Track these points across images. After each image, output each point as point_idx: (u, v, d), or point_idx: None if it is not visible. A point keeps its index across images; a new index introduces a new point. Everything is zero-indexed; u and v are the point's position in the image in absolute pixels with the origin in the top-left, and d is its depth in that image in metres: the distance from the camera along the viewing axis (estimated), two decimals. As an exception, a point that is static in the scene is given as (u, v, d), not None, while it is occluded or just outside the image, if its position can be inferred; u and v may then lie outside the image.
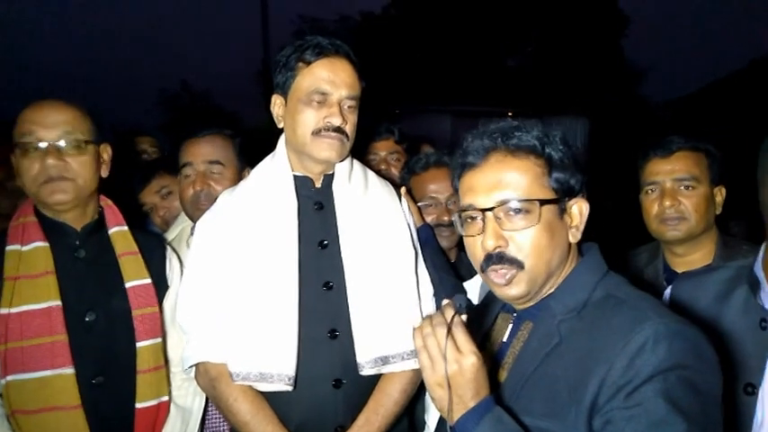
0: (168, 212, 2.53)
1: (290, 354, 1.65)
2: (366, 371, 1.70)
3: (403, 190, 2.01)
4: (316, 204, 1.78)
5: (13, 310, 1.65)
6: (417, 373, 1.68)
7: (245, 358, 1.66)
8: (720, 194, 2.06)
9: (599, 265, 1.30)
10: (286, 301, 1.67)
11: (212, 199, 1.92)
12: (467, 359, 1.14)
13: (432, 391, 1.19)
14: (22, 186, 1.74)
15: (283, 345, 1.65)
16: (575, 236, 1.27)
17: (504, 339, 1.36)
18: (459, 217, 1.30)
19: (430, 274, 1.92)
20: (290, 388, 1.65)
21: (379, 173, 2.04)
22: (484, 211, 1.23)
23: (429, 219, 2.15)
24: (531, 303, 1.30)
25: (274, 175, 1.78)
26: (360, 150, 2.15)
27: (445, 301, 1.23)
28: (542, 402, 1.18)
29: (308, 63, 1.70)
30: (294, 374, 1.65)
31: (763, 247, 1.45)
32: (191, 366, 1.75)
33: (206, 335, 1.71)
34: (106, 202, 1.88)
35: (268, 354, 1.64)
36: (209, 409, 2.07)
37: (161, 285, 1.90)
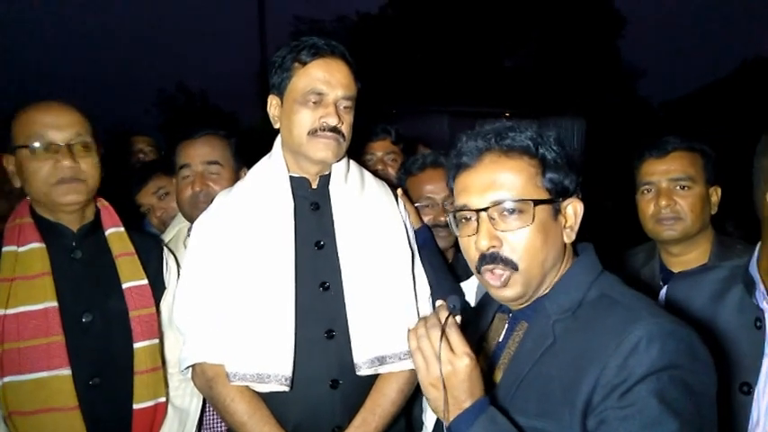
0: (165, 213, 2.54)
1: (287, 354, 1.65)
2: (363, 371, 1.70)
3: (399, 191, 2.01)
4: (312, 205, 1.79)
5: (10, 312, 1.65)
6: (414, 372, 1.67)
7: (241, 359, 1.66)
8: (716, 194, 2.07)
9: (594, 265, 1.31)
10: (282, 301, 1.67)
11: (211, 199, 1.92)
12: (460, 360, 1.14)
13: (426, 392, 1.19)
14: (26, 188, 1.73)
15: (280, 345, 1.65)
16: (569, 236, 1.28)
17: (500, 340, 1.37)
18: (454, 217, 1.30)
19: (428, 276, 1.92)
20: (286, 388, 1.65)
21: (375, 173, 2.05)
22: (478, 211, 1.24)
23: (426, 219, 2.16)
24: (527, 304, 1.31)
25: (271, 176, 1.78)
26: (356, 151, 2.15)
27: (439, 303, 1.23)
28: (537, 402, 1.19)
29: (304, 63, 1.70)
30: (291, 375, 1.65)
31: (757, 247, 1.46)
32: (187, 367, 1.75)
33: (203, 336, 1.71)
34: (102, 204, 1.88)
35: (265, 354, 1.64)
36: (207, 409, 2.07)
37: (158, 286, 1.90)
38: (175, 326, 1.81)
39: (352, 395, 1.72)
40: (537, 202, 1.21)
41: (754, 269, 1.44)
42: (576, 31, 18.34)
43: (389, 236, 1.81)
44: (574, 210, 1.28)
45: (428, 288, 1.90)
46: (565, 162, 1.26)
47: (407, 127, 3.31)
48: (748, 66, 14.32)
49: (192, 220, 2.05)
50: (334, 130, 1.69)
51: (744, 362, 1.43)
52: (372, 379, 1.75)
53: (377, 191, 1.88)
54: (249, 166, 1.92)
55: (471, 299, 2.06)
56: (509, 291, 1.25)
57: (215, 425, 2.11)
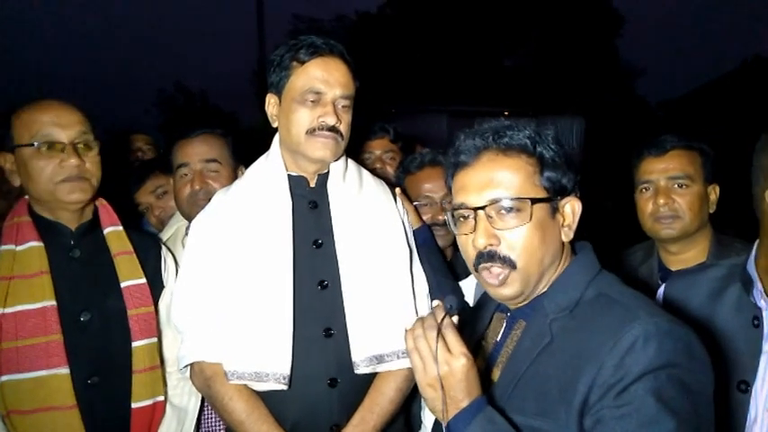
0: (163, 212, 2.54)
1: (285, 353, 1.65)
2: (361, 369, 1.70)
3: (398, 191, 2.00)
4: (310, 203, 1.79)
5: (8, 310, 1.65)
6: (413, 371, 1.68)
7: (239, 357, 1.66)
8: (714, 193, 2.07)
9: (592, 263, 1.31)
10: (281, 300, 1.67)
11: (210, 197, 1.93)
12: (457, 361, 1.15)
13: (424, 392, 1.20)
14: (27, 186, 1.73)
15: (278, 344, 1.65)
16: (567, 235, 1.28)
17: (498, 339, 1.37)
18: (452, 216, 1.31)
19: (427, 275, 1.92)
20: (285, 387, 1.65)
21: (373, 172, 2.05)
22: (476, 209, 1.24)
23: (424, 218, 2.16)
24: (525, 303, 1.31)
25: (269, 175, 1.79)
26: (354, 149, 2.15)
27: (435, 303, 1.24)
28: (534, 401, 1.19)
29: (303, 62, 1.70)
30: (289, 373, 1.65)
31: (755, 246, 1.46)
32: (186, 366, 1.75)
33: (201, 334, 1.71)
34: (101, 202, 1.88)
35: (263, 353, 1.65)
36: (205, 408, 2.07)
37: (156, 285, 1.90)
38: (173, 324, 1.81)
39: (350, 394, 1.72)
40: (534, 201, 1.21)
41: (751, 267, 1.45)
42: (575, 30, 18.34)
43: (388, 234, 1.81)
44: (572, 208, 1.28)
45: (426, 287, 1.90)
46: (563, 161, 1.27)
47: (406, 126, 3.30)
48: (748, 66, 14.33)
49: (190, 218, 2.04)
50: (333, 129, 1.69)
51: (741, 360, 1.43)
52: (371, 377, 1.75)
53: (375, 189, 1.88)
54: (249, 166, 1.91)
55: (470, 298, 2.07)
56: (507, 289, 1.25)
57: (213, 424, 2.11)
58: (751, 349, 1.42)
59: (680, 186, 2.03)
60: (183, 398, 1.93)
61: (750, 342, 1.42)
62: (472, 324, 1.50)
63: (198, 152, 2.13)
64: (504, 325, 1.37)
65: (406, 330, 1.23)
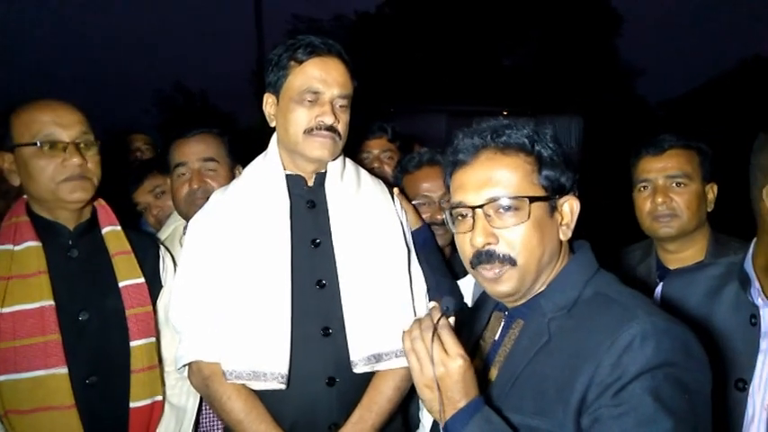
0: (162, 212, 2.53)
1: (283, 352, 1.65)
2: (359, 368, 1.70)
3: (396, 191, 2.00)
4: (308, 203, 1.79)
5: (6, 310, 1.65)
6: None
7: (238, 357, 1.66)
8: (712, 192, 2.08)
9: (590, 263, 1.31)
10: (279, 299, 1.67)
11: (208, 196, 1.93)
12: (453, 361, 1.15)
13: (421, 393, 1.20)
14: (27, 185, 1.73)
15: (276, 343, 1.65)
16: (565, 234, 1.28)
17: (496, 338, 1.37)
18: (451, 214, 1.31)
19: (426, 276, 1.92)
20: (283, 386, 1.65)
21: (371, 171, 2.05)
22: (474, 208, 1.24)
23: (422, 217, 2.16)
24: (522, 301, 1.31)
25: (266, 174, 1.79)
26: (352, 149, 2.15)
27: (432, 304, 1.24)
28: (532, 400, 1.19)
29: (300, 62, 1.70)
30: (287, 373, 1.65)
31: (752, 244, 1.46)
32: (184, 366, 1.75)
33: (199, 334, 1.71)
34: (99, 202, 1.88)
35: (261, 352, 1.65)
36: (204, 408, 2.07)
37: (155, 285, 1.90)
38: (171, 324, 1.81)
39: (348, 392, 1.72)
40: (533, 199, 1.22)
41: (749, 266, 1.45)
42: (575, 30, 18.35)
43: (385, 234, 1.81)
44: (570, 207, 1.28)
45: (425, 286, 1.90)
46: (561, 159, 1.27)
47: (405, 125, 3.30)
48: (747, 65, 14.34)
49: (188, 218, 2.04)
50: (331, 128, 1.69)
51: (739, 359, 1.43)
52: (369, 376, 1.75)
53: (373, 189, 1.88)
54: (245, 166, 1.91)
55: (468, 297, 2.07)
56: (503, 286, 1.25)
57: (211, 423, 2.11)
58: (748, 347, 1.42)
59: (678, 185, 2.03)
60: (182, 397, 1.93)
61: (748, 340, 1.42)
62: (471, 323, 1.51)
63: (195, 151, 2.13)
64: (503, 324, 1.37)
65: (403, 332, 1.23)
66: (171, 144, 2.19)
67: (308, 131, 1.69)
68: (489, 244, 1.23)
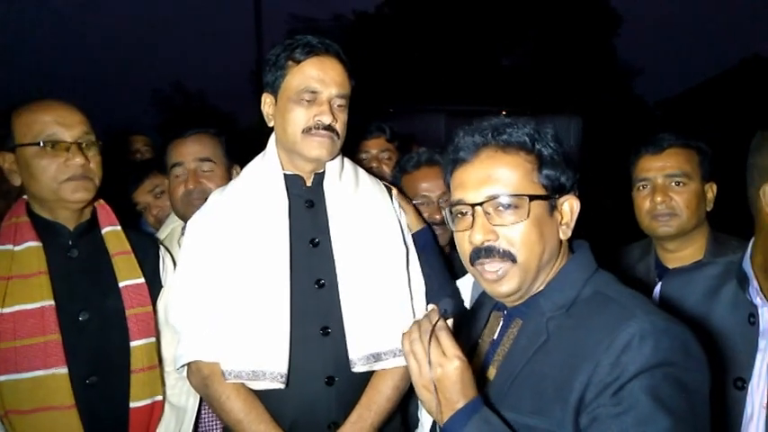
0: (161, 212, 2.54)
1: (283, 351, 1.65)
2: (358, 368, 1.70)
3: (395, 192, 1.99)
4: (306, 202, 1.79)
5: (6, 310, 1.65)
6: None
7: (237, 357, 1.66)
8: (711, 191, 2.08)
9: (589, 262, 1.31)
10: (278, 299, 1.67)
11: (205, 196, 1.93)
12: (450, 363, 1.15)
13: (420, 395, 1.21)
14: (29, 185, 1.73)
15: (275, 343, 1.65)
16: (565, 233, 1.28)
17: (495, 337, 1.37)
18: (450, 212, 1.31)
19: (426, 279, 1.92)
20: (282, 386, 1.65)
21: (370, 171, 2.05)
22: (473, 205, 1.24)
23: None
24: (521, 301, 1.31)
25: (265, 174, 1.79)
26: (351, 149, 2.15)
27: (430, 307, 1.24)
28: (530, 400, 1.19)
29: (298, 62, 1.70)
30: (286, 372, 1.65)
31: (751, 243, 1.46)
32: (183, 365, 1.75)
33: (198, 334, 1.71)
34: (99, 202, 1.88)
35: (260, 352, 1.65)
36: (203, 408, 2.07)
37: (155, 285, 1.90)
38: (171, 324, 1.81)
39: (347, 392, 1.72)
40: (532, 198, 1.22)
41: (747, 265, 1.45)
42: (573, 30, 18.37)
43: (384, 233, 1.82)
44: (570, 207, 1.28)
45: (423, 285, 1.90)
46: (561, 159, 1.27)
47: (404, 125, 3.31)
48: (746, 65, 14.36)
49: (185, 218, 2.05)
50: (329, 128, 1.69)
51: (738, 357, 1.43)
52: (368, 375, 1.75)
53: (371, 188, 1.88)
54: (244, 166, 1.92)
55: (467, 296, 2.07)
56: (505, 286, 1.25)
57: (211, 423, 2.11)
58: (747, 346, 1.42)
59: (677, 184, 2.03)
60: (182, 397, 1.93)
61: (746, 339, 1.43)
62: (470, 324, 1.51)
63: (191, 151, 2.13)
64: (501, 323, 1.37)
65: (402, 334, 1.24)
66: (168, 144, 2.19)
67: (307, 131, 1.69)
68: (488, 241, 1.23)
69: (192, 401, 1.96)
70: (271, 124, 1.79)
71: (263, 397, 1.70)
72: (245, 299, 1.68)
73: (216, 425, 2.11)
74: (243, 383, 1.68)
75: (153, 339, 1.83)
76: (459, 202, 1.27)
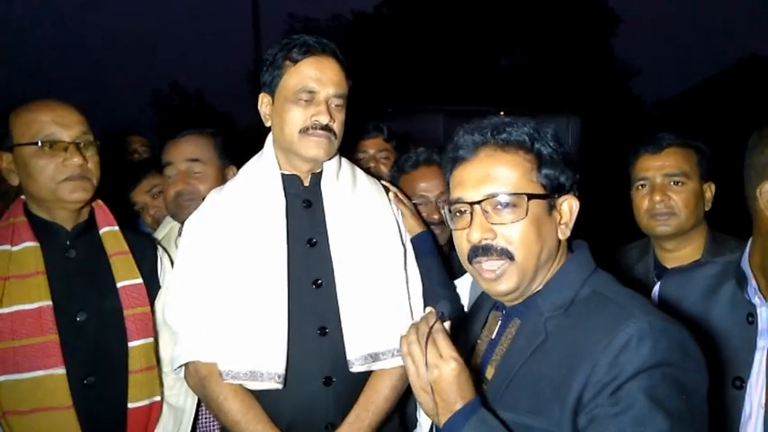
0: (159, 212, 2.53)
1: (280, 352, 1.65)
2: (356, 368, 1.70)
3: (392, 195, 1.97)
4: (304, 202, 1.79)
5: (4, 311, 1.65)
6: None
7: (234, 357, 1.66)
8: (710, 190, 2.08)
9: (587, 262, 1.31)
10: (275, 299, 1.67)
11: (195, 197, 1.95)
12: (447, 365, 1.15)
13: (418, 396, 1.21)
14: (27, 185, 1.73)
15: (273, 343, 1.65)
16: (563, 233, 1.28)
17: (493, 337, 1.37)
18: (450, 211, 1.31)
19: (423, 285, 1.91)
20: (280, 386, 1.65)
21: (368, 171, 2.05)
22: (472, 204, 1.24)
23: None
24: (519, 300, 1.31)
25: (262, 174, 1.79)
26: (348, 149, 2.15)
27: (428, 309, 1.25)
28: (528, 399, 1.19)
29: (295, 62, 1.70)
30: (284, 372, 1.65)
31: (749, 243, 1.46)
32: (180, 366, 1.75)
33: (195, 334, 1.71)
34: (96, 203, 1.88)
35: (258, 352, 1.65)
36: (202, 409, 2.06)
37: (153, 285, 1.90)
38: (168, 324, 1.80)
39: (345, 392, 1.72)
40: (531, 197, 1.22)
41: (745, 264, 1.45)
42: (571, 30, 18.39)
43: (381, 233, 1.82)
44: (569, 207, 1.28)
45: (420, 284, 1.90)
46: (561, 159, 1.27)
47: (403, 125, 3.30)
48: (744, 64, 14.39)
49: (176, 219, 2.05)
50: (326, 128, 1.69)
51: (736, 357, 1.43)
52: (365, 376, 1.75)
53: (369, 188, 1.88)
54: (241, 166, 1.91)
55: (465, 297, 2.06)
56: (503, 284, 1.25)
57: (209, 424, 2.11)
58: (746, 346, 1.42)
59: (676, 184, 2.04)
60: (180, 398, 1.93)
61: (745, 339, 1.43)
62: (470, 325, 1.51)
63: (182, 152, 2.13)
64: (500, 323, 1.37)
65: (401, 337, 1.24)
66: (164, 145, 2.19)
67: (304, 131, 1.69)
68: (486, 239, 1.23)
69: (190, 402, 1.95)
70: (268, 124, 1.79)
71: (261, 397, 1.70)
72: (243, 299, 1.68)
73: (214, 425, 2.10)
74: (240, 384, 1.68)
75: (151, 340, 1.83)
76: (458, 201, 1.27)
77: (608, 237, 2.14)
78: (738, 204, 1.45)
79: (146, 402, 1.79)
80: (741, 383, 1.41)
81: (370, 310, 1.72)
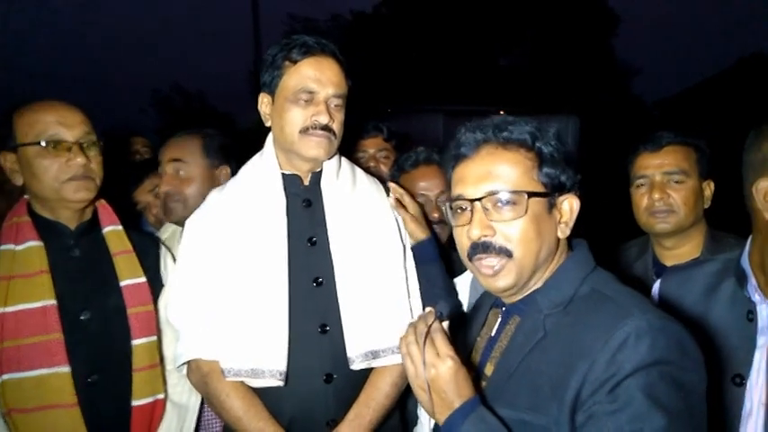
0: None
1: (281, 349, 1.66)
2: (356, 365, 1.71)
3: (392, 201, 1.95)
4: (304, 202, 1.80)
5: (9, 310, 1.66)
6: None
7: (236, 355, 1.67)
8: (709, 188, 2.09)
9: (587, 260, 1.32)
10: (276, 297, 1.68)
11: (180, 198, 1.99)
12: (444, 363, 1.17)
13: (417, 395, 1.23)
14: (30, 184, 1.74)
15: (274, 340, 1.66)
16: (563, 231, 1.29)
17: (493, 334, 1.38)
18: (450, 208, 1.32)
19: (422, 291, 1.90)
20: (281, 383, 1.66)
21: (367, 170, 2.05)
22: (472, 201, 1.25)
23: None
24: (519, 297, 1.32)
25: (263, 174, 1.80)
26: (348, 148, 2.16)
27: (427, 309, 1.26)
28: (526, 396, 1.20)
29: (295, 62, 1.71)
30: (285, 370, 1.66)
31: (749, 240, 1.47)
32: (183, 364, 1.75)
33: (197, 332, 1.72)
34: (100, 202, 1.89)
35: (259, 350, 1.66)
36: (205, 406, 2.07)
37: (156, 284, 1.91)
38: (170, 322, 1.81)
39: (345, 389, 1.73)
40: (531, 195, 1.22)
41: (745, 262, 1.46)
42: (571, 29, 18.37)
43: (381, 231, 1.83)
44: (570, 205, 1.29)
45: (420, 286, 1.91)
46: (562, 158, 1.27)
47: (402, 125, 3.31)
48: (744, 63, 14.37)
49: (166, 219, 2.08)
50: (326, 128, 1.70)
51: (736, 354, 1.44)
52: (366, 373, 1.76)
53: (368, 187, 1.89)
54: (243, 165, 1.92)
55: (464, 295, 2.07)
56: (501, 281, 1.26)
57: (212, 421, 2.12)
58: (746, 343, 1.43)
59: (675, 182, 2.04)
60: (184, 395, 1.94)
61: (745, 336, 1.43)
62: (470, 323, 1.52)
63: (167, 153, 2.16)
64: (499, 320, 1.38)
65: (400, 338, 1.26)
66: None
67: (304, 131, 1.70)
68: (485, 236, 1.24)
69: (194, 399, 1.96)
70: (268, 124, 1.80)
71: (262, 394, 1.70)
72: (244, 297, 1.69)
73: (217, 423, 2.11)
74: (242, 381, 1.69)
75: (154, 338, 1.84)
76: (459, 198, 1.28)
77: (607, 235, 2.15)
78: (739, 203, 1.46)
79: (149, 400, 1.80)
80: (741, 381, 1.42)
81: (371, 308, 1.73)
